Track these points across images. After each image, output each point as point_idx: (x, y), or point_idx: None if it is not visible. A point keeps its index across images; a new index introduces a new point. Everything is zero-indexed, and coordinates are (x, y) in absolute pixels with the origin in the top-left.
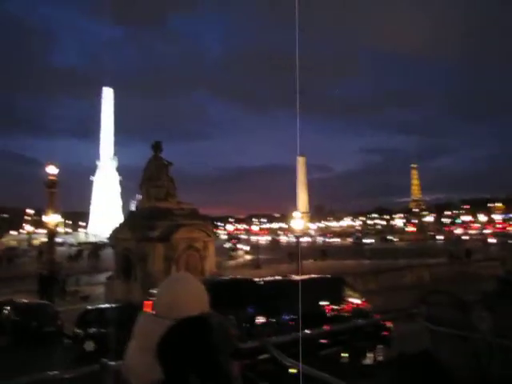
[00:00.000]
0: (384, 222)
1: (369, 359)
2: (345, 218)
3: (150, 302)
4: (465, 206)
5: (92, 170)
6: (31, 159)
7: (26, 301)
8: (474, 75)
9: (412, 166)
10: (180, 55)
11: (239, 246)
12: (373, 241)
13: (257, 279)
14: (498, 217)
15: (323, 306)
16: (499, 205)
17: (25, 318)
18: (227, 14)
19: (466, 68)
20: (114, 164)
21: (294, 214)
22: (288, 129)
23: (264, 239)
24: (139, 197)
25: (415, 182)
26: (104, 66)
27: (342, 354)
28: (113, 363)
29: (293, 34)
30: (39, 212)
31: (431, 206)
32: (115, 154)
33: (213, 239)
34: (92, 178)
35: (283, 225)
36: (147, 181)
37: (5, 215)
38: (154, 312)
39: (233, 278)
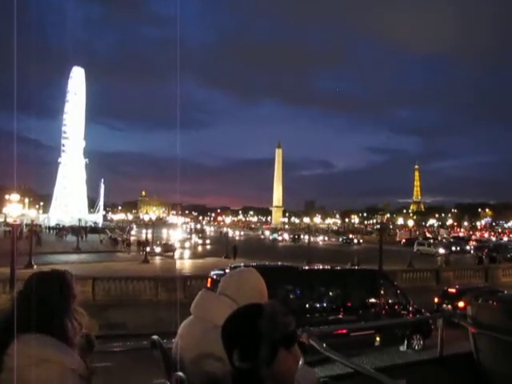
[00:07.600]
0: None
1: (404, 346)
2: (337, 216)
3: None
4: (453, 210)
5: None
6: None
7: None
8: (488, 78)
9: (415, 167)
10: (162, 39)
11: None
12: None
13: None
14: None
15: (362, 296)
16: (488, 211)
17: None
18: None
19: (478, 70)
20: (81, 147)
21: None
22: (283, 121)
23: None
24: None
25: (417, 183)
26: (80, 46)
27: (377, 338)
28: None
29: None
30: None
31: (431, 208)
32: (84, 138)
33: None
34: (59, 159)
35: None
36: None
37: None
38: (222, 293)
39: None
